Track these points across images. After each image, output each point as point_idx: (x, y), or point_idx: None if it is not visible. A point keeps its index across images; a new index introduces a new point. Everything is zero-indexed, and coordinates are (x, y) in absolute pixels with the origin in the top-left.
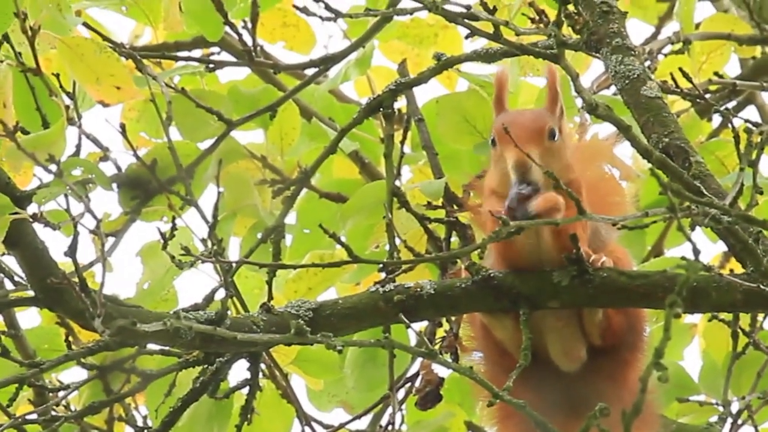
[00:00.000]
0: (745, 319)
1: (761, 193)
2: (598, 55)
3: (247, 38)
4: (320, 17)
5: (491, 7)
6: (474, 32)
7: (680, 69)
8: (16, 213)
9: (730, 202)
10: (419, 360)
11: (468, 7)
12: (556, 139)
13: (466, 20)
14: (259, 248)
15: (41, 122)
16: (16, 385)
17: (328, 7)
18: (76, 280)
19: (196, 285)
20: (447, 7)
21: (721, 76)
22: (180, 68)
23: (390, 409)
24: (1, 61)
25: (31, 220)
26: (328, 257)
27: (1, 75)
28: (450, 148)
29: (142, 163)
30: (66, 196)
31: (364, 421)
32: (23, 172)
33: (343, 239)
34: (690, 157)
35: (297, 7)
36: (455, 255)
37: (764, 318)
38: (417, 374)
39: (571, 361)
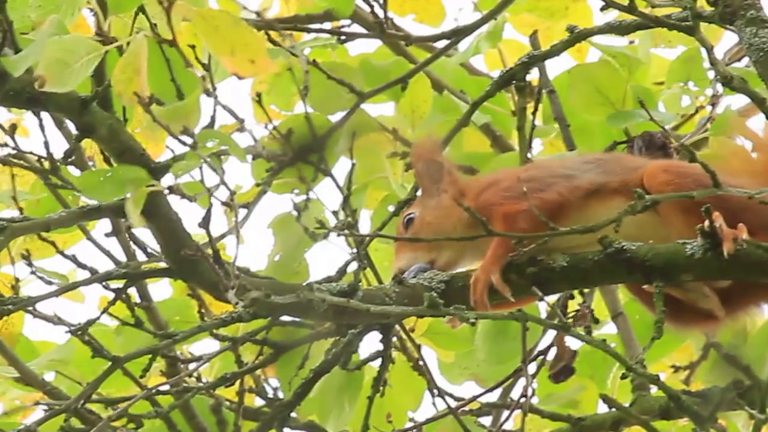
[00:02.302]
0: None
1: None
2: (732, 27)
3: (378, 10)
4: None
5: None
6: (609, 4)
7: None
8: (151, 185)
9: None
10: (550, 333)
11: None
12: (413, 221)
13: None
14: (391, 221)
15: (176, 94)
16: (149, 356)
17: None
18: (210, 251)
19: (325, 257)
20: None
21: None
22: (311, 41)
23: (521, 382)
24: (138, 32)
25: (167, 191)
26: None
27: (136, 45)
28: (582, 119)
29: (279, 133)
30: (200, 168)
31: (495, 394)
32: (155, 144)
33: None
34: None
35: None
36: (589, 228)
37: None
38: (549, 347)
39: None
